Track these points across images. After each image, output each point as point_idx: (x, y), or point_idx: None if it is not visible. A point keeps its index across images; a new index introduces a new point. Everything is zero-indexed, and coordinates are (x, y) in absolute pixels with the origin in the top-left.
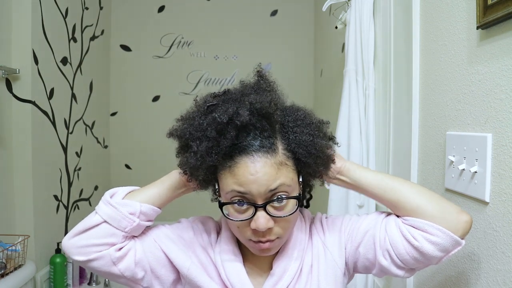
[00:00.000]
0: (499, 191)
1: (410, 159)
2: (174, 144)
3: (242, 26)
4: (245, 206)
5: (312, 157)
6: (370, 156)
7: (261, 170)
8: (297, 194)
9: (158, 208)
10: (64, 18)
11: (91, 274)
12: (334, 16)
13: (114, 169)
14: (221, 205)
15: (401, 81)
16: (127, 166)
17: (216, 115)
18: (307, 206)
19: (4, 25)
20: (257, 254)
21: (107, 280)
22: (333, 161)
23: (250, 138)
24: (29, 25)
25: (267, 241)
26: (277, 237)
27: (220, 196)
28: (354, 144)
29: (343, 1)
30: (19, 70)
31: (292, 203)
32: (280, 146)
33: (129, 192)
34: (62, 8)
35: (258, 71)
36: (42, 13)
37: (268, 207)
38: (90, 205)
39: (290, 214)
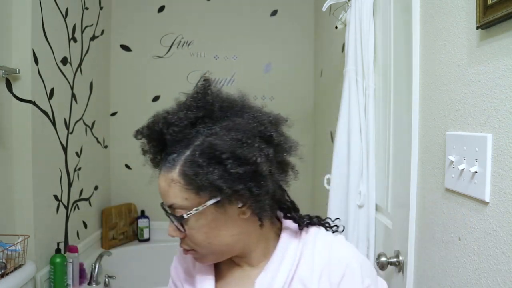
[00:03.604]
0: (499, 191)
1: (410, 159)
2: None
3: (242, 26)
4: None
5: (200, 167)
6: (370, 156)
7: (160, 183)
8: (190, 213)
9: None
10: (64, 18)
11: (91, 274)
12: (334, 16)
13: (114, 169)
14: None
15: (401, 81)
16: (127, 166)
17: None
18: (293, 218)
19: (4, 25)
20: None
21: (107, 280)
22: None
23: (162, 156)
24: (29, 25)
25: (181, 246)
26: (192, 249)
27: None
28: (354, 144)
29: (343, 1)
30: (19, 70)
31: (192, 221)
32: (179, 165)
33: None
34: (62, 8)
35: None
36: (42, 13)
37: (172, 219)
38: (90, 205)
39: (182, 231)
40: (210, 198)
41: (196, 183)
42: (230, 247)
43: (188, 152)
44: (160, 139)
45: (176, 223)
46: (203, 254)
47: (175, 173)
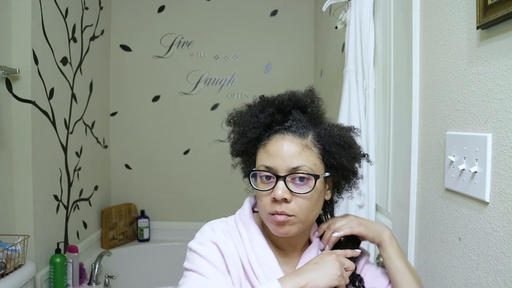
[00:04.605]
0: (499, 191)
1: (410, 159)
2: (174, 144)
3: (242, 26)
4: (270, 180)
5: (335, 145)
6: (370, 156)
7: (287, 146)
8: (317, 175)
9: None
10: (64, 18)
11: (91, 274)
12: (334, 16)
13: (114, 169)
14: (249, 172)
15: (401, 81)
16: (127, 166)
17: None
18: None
19: (4, 25)
20: (276, 234)
21: (107, 280)
22: (360, 156)
23: (287, 124)
24: (29, 25)
25: (282, 213)
26: (294, 215)
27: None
28: None
29: (343, 1)
30: (19, 70)
31: (311, 185)
32: (310, 136)
33: None
34: (62, 8)
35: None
36: (42, 13)
37: (288, 181)
38: (90, 205)
39: (307, 192)
40: (325, 171)
41: (326, 155)
42: (313, 221)
43: (318, 129)
44: (285, 110)
45: (299, 183)
46: (300, 220)
47: (308, 141)
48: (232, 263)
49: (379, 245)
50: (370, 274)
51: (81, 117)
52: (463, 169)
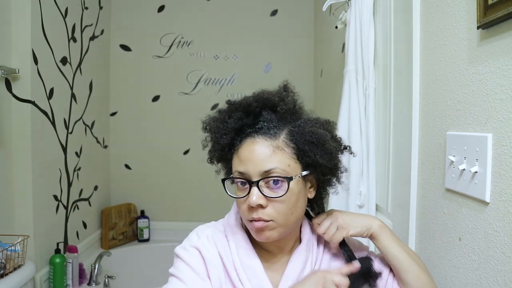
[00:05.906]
0: (499, 191)
1: (410, 159)
2: (174, 144)
3: (242, 26)
4: (245, 186)
5: (308, 144)
6: (370, 156)
7: (258, 149)
8: (290, 177)
9: None
10: (64, 18)
11: (91, 274)
12: (334, 16)
13: (114, 169)
14: (223, 180)
15: (401, 81)
16: (127, 166)
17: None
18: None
19: (4, 25)
20: (258, 240)
21: (106, 280)
22: (339, 151)
23: (258, 126)
24: (29, 25)
25: (259, 219)
26: (271, 220)
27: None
28: (354, 144)
29: (343, 1)
30: (18, 70)
31: (285, 187)
32: (282, 136)
33: None
34: (62, 8)
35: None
36: (42, 13)
37: (262, 186)
38: (90, 205)
39: (281, 196)
40: (302, 170)
41: (301, 154)
42: (297, 222)
43: (291, 127)
44: (254, 112)
45: (273, 187)
46: (279, 224)
47: (280, 142)
48: (213, 269)
49: (371, 237)
50: None
51: (81, 117)
52: (464, 169)
